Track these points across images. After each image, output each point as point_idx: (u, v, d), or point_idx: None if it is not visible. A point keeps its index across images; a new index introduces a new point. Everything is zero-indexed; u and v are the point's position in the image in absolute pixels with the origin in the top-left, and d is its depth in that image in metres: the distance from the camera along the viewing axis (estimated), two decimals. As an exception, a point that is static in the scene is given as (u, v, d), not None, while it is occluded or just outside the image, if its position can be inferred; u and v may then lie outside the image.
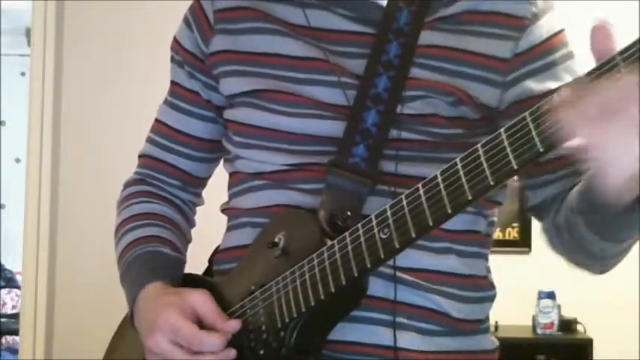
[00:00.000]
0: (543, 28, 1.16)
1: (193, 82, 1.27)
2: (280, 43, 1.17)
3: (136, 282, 1.19)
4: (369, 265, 1.01)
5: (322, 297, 1.04)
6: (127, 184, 1.35)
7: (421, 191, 0.97)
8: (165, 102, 1.33)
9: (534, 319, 3.36)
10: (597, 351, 3.24)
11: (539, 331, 3.33)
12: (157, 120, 1.34)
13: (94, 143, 3.57)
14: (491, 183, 0.93)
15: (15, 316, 5.25)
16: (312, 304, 1.05)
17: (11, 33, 5.89)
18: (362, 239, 1.01)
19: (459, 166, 0.94)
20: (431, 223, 0.96)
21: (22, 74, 5.81)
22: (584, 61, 1.21)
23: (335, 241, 1.04)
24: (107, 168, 3.27)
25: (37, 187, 3.55)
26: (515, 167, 0.90)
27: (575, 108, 0.83)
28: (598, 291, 3.00)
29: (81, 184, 3.56)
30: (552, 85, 1.15)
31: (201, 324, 1.10)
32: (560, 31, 1.18)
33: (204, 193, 1.39)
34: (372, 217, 1.01)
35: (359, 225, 1.02)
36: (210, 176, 1.37)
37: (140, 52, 3.56)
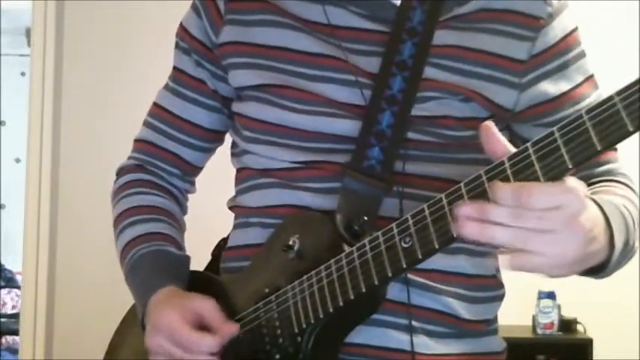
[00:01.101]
0: (558, 27, 1.16)
1: (200, 70, 1.25)
2: (292, 38, 1.16)
3: (146, 284, 1.18)
4: (390, 274, 0.99)
5: (341, 304, 1.03)
6: (124, 171, 1.33)
7: (445, 201, 0.94)
8: (167, 87, 1.30)
9: (534, 319, 3.35)
10: (597, 351, 3.24)
11: (539, 331, 3.33)
12: (157, 105, 1.31)
13: (94, 143, 3.56)
14: None
15: (15, 316, 5.24)
16: (330, 310, 1.04)
17: (11, 33, 5.89)
18: (382, 247, 0.99)
19: (484, 178, 0.91)
20: (454, 235, 0.93)
21: (22, 74, 5.81)
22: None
23: (354, 248, 1.03)
24: (107, 168, 3.25)
25: (37, 187, 3.55)
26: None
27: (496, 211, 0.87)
28: (598, 291, 2.98)
29: (81, 184, 3.55)
30: (565, 86, 1.15)
31: (206, 329, 1.09)
32: (574, 30, 1.18)
33: (204, 183, 1.38)
34: (393, 225, 0.99)
35: (379, 233, 1.00)
36: (205, 165, 1.35)
37: (140, 52, 3.56)
